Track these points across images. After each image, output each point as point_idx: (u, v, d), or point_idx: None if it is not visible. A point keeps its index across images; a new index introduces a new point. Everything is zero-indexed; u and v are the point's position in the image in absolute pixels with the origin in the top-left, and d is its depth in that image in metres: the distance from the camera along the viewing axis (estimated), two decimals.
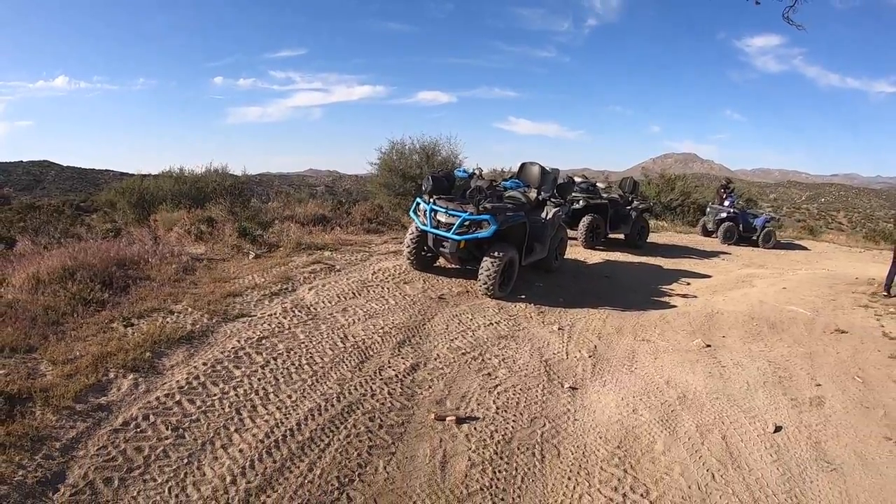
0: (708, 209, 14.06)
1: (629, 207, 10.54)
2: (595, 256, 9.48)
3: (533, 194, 7.27)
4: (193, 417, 3.20)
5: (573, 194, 9.77)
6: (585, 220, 9.77)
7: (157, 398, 3.32)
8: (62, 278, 5.14)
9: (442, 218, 6.26)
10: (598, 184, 10.53)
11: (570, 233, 10.04)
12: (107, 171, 53.99)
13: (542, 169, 7.50)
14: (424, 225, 6.41)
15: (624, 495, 3.06)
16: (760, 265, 10.87)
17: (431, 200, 6.43)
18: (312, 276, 6.23)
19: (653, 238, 12.53)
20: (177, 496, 2.61)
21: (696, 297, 7.55)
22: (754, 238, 13.46)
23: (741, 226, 13.32)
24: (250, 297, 5.27)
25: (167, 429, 3.06)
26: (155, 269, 5.84)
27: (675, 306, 6.95)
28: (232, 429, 3.16)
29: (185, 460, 2.85)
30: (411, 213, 6.78)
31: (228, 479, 2.76)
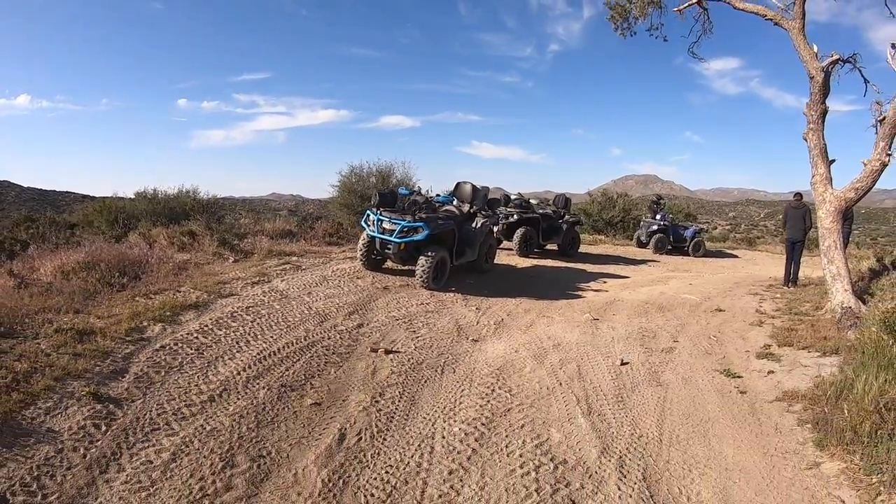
0: (641, 223, 16.35)
1: (561, 221, 12.67)
2: (527, 262, 11.55)
3: (466, 207, 9.32)
4: (208, 344, 5.06)
5: (508, 209, 11.89)
6: (519, 231, 11.87)
7: (181, 335, 5.18)
8: (85, 269, 6.94)
9: (387, 225, 8.23)
10: (531, 200, 12.63)
11: (506, 243, 12.15)
12: (68, 192, 54.42)
13: (474, 187, 9.56)
14: (373, 231, 8.36)
15: (492, 391, 4.96)
16: (685, 270, 13.04)
17: (378, 212, 8.39)
18: (283, 272, 8.11)
19: (589, 249, 14.71)
20: (203, 379, 4.46)
21: (607, 291, 9.60)
22: (685, 248, 15.77)
23: (672, 237, 15.61)
24: (236, 284, 7.12)
25: (191, 349, 4.92)
26: (155, 267, 7.64)
27: (583, 297, 8.97)
28: (234, 350, 5.03)
29: (206, 364, 4.71)
30: (362, 223, 8.75)
31: (235, 373, 4.62)
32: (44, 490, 3.06)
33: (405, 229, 8.06)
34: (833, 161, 8.80)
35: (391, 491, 3.33)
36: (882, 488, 3.56)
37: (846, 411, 4.25)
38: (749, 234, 30.29)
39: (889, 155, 8.20)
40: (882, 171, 8.27)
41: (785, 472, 3.86)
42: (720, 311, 8.32)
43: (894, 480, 3.54)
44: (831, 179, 8.66)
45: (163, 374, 4.48)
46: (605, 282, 10.40)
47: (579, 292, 9.30)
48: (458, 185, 9.77)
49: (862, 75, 9.15)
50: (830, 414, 4.40)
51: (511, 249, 12.17)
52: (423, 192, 9.16)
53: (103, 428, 3.65)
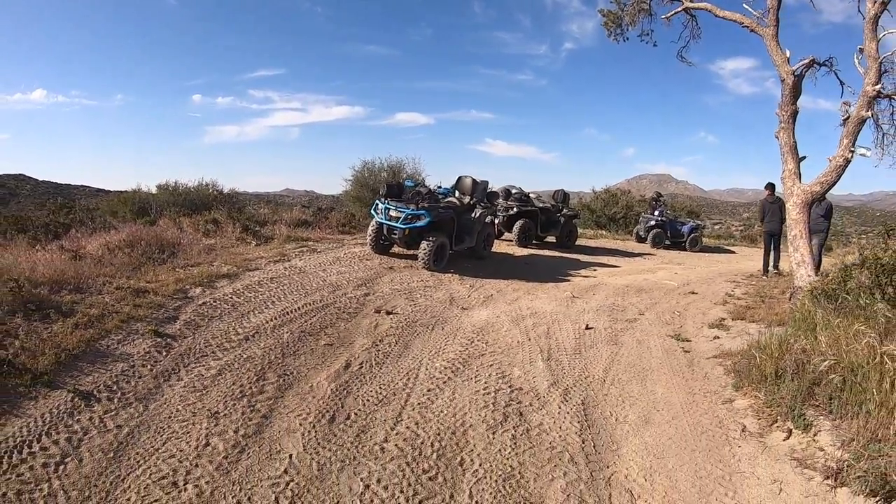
0: (640, 218, 17.39)
1: (559, 214, 13.77)
2: (524, 252, 12.68)
3: (466, 199, 10.48)
4: (241, 303, 6.29)
5: (508, 202, 13.04)
6: (518, 223, 12.99)
7: (218, 295, 6.42)
8: (128, 246, 8.20)
9: (393, 213, 9.41)
10: (530, 194, 13.76)
11: (507, 235, 13.29)
12: (82, 186, 55.57)
13: (474, 180, 10.72)
14: (381, 218, 9.55)
15: (472, 342, 6.10)
16: (678, 263, 14.03)
17: (386, 201, 9.58)
18: (301, 254, 9.34)
19: (588, 242, 15.79)
20: (238, 325, 5.68)
21: (594, 277, 10.69)
22: (682, 243, 16.78)
23: (669, 232, 16.63)
24: (260, 262, 8.36)
25: (228, 305, 6.15)
26: (187, 247, 8.89)
27: (570, 281, 10.08)
28: (263, 307, 6.25)
29: (240, 316, 5.93)
30: (372, 212, 9.94)
31: (264, 322, 5.83)
32: (122, 390, 4.27)
33: (409, 216, 9.23)
34: (804, 158, 9.82)
35: (382, 399, 4.51)
36: (778, 417, 4.64)
37: (758, 359, 5.34)
38: (748, 231, 31.03)
39: (852, 151, 9.21)
40: (846, 166, 9.27)
41: (702, 406, 4.96)
42: (693, 293, 9.38)
43: (788, 411, 4.61)
44: (800, 175, 9.67)
45: (206, 321, 5.71)
46: (595, 270, 11.48)
47: (568, 277, 10.39)
48: (459, 178, 10.93)
49: (837, 77, 10.12)
50: (748, 364, 5.49)
51: (511, 240, 13.31)
52: (427, 185, 10.34)
53: (164, 353, 4.88)
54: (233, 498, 3.19)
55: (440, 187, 10.46)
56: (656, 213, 16.79)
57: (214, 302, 6.25)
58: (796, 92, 9.83)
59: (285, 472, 3.47)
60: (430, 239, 9.24)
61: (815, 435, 4.29)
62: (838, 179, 9.46)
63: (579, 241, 15.14)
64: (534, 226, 13.27)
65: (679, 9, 11.47)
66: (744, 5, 10.44)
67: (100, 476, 3.29)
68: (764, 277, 11.38)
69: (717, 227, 27.63)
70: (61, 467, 3.34)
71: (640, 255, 14.76)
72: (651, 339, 6.69)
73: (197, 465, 3.44)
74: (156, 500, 3.12)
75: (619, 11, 11.83)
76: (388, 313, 6.67)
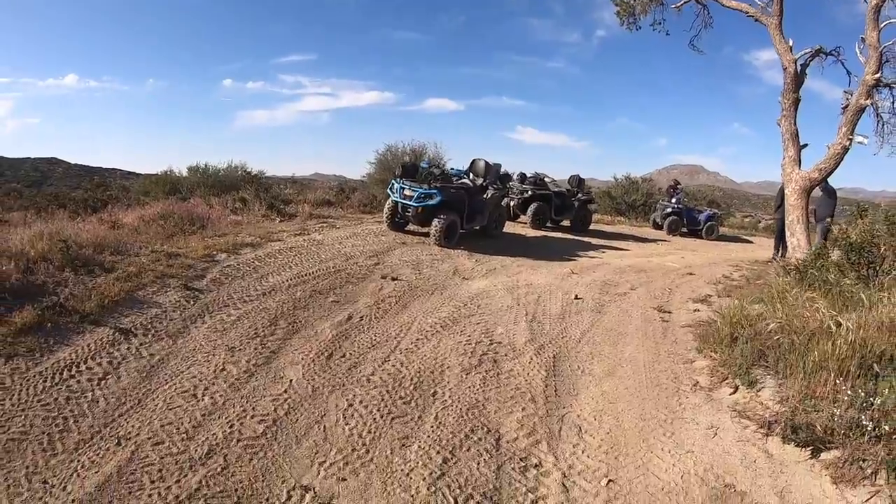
0: (657, 205, 17.79)
1: (574, 199, 14.33)
2: (537, 234, 13.28)
3: (479, 181, 11.15)
4: (261, 266, 7.13)
5: (523, 185, 13.66)
6: (533, 206, 13.60)
7: (242, 260, 7.26)
8: (161, 218, 9.12)
9: (407, 192, 10.14)
10: (545, 178, 14.34)
11: (523, 217, 13.92)
12: (113, 169, 56.28)
13: (487, 163, 11.38)
14: (396, 197, 10.30)
15: (465, 305, 6.78)
16: (692, 250, 14.40)
17: (401, 181, 10.31)
18: (321, 228, 10.17)
19: (604, 228, 16.30)
20: (258, 283, 6.50)
21: (601, 258, 11.24)
22: (699, 231, 17.14)
23: (685, 219, 17.00)
24: (282, 234, 9.20)
25: (249, 268, 6.99)
26: (215, 221, 9.78)
27: (575, 260, 10.66)
28: (280, 271, 7.08)
29: (260, 276, 6.76)
30: (388, 190, 10.69)
31: (280, 282, 6.65)
32: (155, 328, 5.12)
33: (422, 195, 9.94)
34: (805, 145, 10.23)
35: (375, 344, 5.27)
36: (729, 376, 5.23)
37: (718, 325, 5.93)
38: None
39: (850, 139, 9.60)
40: (844, 153, 9.67)
41: (664, 364, 5.57)
42: (691, 274, 9.90)
43: (738, 370, 5.20)
44: (800, 161, 10.10)
45: (230, 279, 6.55)
46: (603, 252, 12.01)
47: (574, 257, 10.95)
48: (473, 161, 11.59)
49: (844, 67, 10.48)
50: (710, 329, 6.09)
51: (526, 223, 13.93)
52: (442, 166, 11.06)
53: (192, 302, 5.73)
54: (240, 407, 3.98)
55: (453, 169, 11.15)
56: (673, 200, 17.15)
57: (238, 265, 7.08)
58: (797, 80, 10.23)
59: (285, 391, 4.25)
60: (442, 217, 9.93)
61: (758, 391, 4.87)
62: (837, 166, 9.85)
63: (595, 227, 15.65)
64: (548, 209, 13.85)
65: None
66: None
67: (134, 389, 4.13)
68: (773, 262, 11.76)
69: (746, 219, 27.56)
70: (102, 382, 4.18)
71: (654, 240, 15.18)
72: (635, 309, 7.28)
73: (213, 384, 4.25)
74: (178, 406, 3.93)
75: (632, 1, 12.29)
76: (394, 279, 7.41)
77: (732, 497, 3.64)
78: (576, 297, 7.53)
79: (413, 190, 10.04)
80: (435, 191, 9.90)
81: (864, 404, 3.98)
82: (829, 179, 10.34)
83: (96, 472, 3.26)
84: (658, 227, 17.30)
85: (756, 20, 10.53)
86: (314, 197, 13.68)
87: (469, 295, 7.21)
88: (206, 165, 16.86)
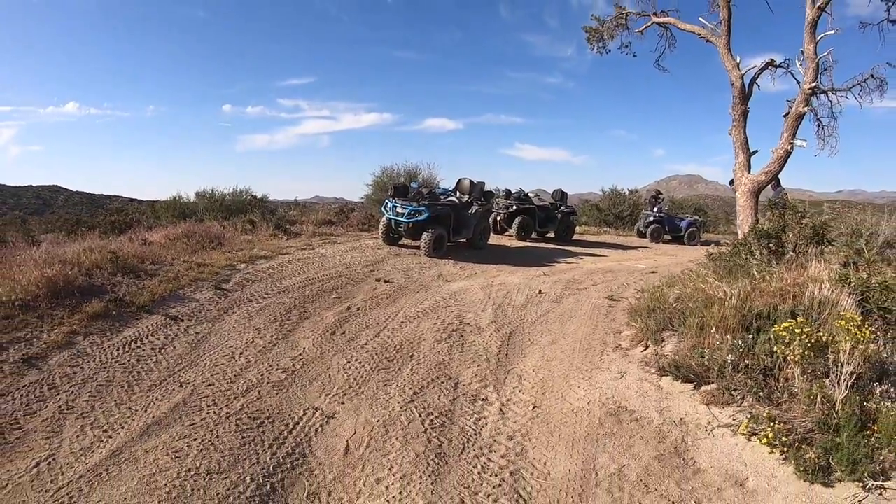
0: (641, 214, 19.40)
1: (557, 211, 15.99)
2: (521, 244, 14.93)
3: (465, 198, 12.86)
4: (275, 273, 8.83)
5: (508, 201, 15.37)
6: (517, 219, 15.28)
7: (258, 268, 8.97)
8: (184, 237, 10.84)
9: (399, 209, 11.84)
10: (529, 193, 16.03)
11: (508, 231, 15.59)
12: (115, 196, 57.64)
13: (471, 181, 13.09)
14: (389, 214, 12.00)
15: (444, 299, 8.41)
16: (670, 255, 15.93)
17: (394, 200, 12.03)
18: (324, 244, 11.88)
19: (588, 237, 17.93)
20: (273, 285, 8.18)
21: (577, 263, 12.85)
22: (681, 237, 18.70)
23: (667, 227, 18.58)
24: (290, 249, 10.90)
25: (265, 274, 8.70)
26: (230, 240, 11.49)
27: (552, 266, 12.28)
28: (291, 276, 8.76)
29: (274, 280, 8.45)
30: (382, 209, 12.41)
31: (291, 284, 8.32)
32: (197, 316, 6.80)
33: (412, 212, 11.65)
34: (755, 152, 11.82)
35: (368, 325, 6.92)
36: (648, 341, 6.81)
37: (642, 302, 7.55)
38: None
39: (792, 143, 11.21)
40: (787, 157, 11.26)
41: (598, 335, 7.15)
42: (653, 273, 11.47)
43: (653, 336, 6.76)
44: (749, 167, 11.70)
45: (251, 282, 8.25)
46: (581, 258, 13.60)
47: (553, 264, 12.54)
48: (459, 180, 13.32)
49: (794, 77, 12.06)
50: (637, 306, 7.69)
51: (512, 235, 15.60)
52: (430, 186, 12.81)
53: (223, 299, 7.41)
54: (267, 364, 5.65)
55: (439, 187, 12.86)
56: (655, 209, 18.75)
57: (255, 272, 8.78)
58: (745, 94, 11.86)
59: (300, 354, 5.92)
60: (430, 231, 11.60)
61: (662, 347, 6.47)
62: (781, 169, 11.45)
63: (580, 237, 17.28)
64: (532, 221, 15.52)
65: (649, 23, 13.62)
66: (700, 18, 12.55)
67: (186, 355, 5.80)
68: None
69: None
70: (162, 350, 5.86)
71: (635, 248, 16.69)
72: (589, 299, 8.89)
73: (246, 350, 5.93)
74: (222, 364, 5.60)
75: (600, 27, 14.04)
76: (386, 282, 9.08)
77: (623, 414, 5.23)
78: (539, 292, 9.13)
79: (404, 207, 11.74)
80: (423, 208, 11.58)
81: (738, 350, 5.54)
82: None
83: (167, 402, 4.91)
84: (642, 235, 18.84)
85: (707, 41, 12.20)
86: (317, 217, 15.44)
87: (449, 292, 8.85)
88: (213, 190, 18.67)
